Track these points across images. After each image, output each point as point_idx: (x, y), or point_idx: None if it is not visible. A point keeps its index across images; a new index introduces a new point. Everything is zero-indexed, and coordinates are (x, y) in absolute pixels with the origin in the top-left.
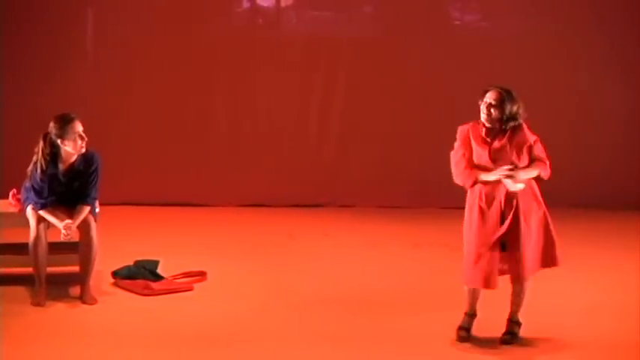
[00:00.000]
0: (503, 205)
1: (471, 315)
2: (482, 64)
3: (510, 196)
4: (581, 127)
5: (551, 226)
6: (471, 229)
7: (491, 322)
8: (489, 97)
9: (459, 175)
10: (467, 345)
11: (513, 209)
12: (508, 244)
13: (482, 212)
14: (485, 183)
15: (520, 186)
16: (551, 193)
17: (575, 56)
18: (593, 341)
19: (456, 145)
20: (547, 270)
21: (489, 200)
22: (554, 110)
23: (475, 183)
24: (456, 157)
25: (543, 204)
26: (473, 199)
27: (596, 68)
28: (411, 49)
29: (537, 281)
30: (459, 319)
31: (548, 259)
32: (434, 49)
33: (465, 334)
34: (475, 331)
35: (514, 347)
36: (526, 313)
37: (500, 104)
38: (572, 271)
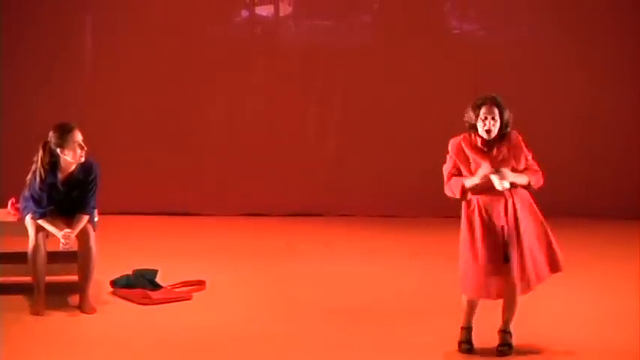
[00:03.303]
0: (504, 216)
1: (468, 328)
2: (482, 73)
3: (508, 208)
4: (580, 137)
5: (550, 234)
6: (473, 241)
7: (485, 333)
8: (488, 112)
9: (446, 186)
10: (468, 356)
11: (513, 220)
12: (510, 256)
13: (483, 224)
14: (479, 192)
15: (506, 184)
16: (552, 202)
17: (574, 65)
18: (593, 350)
19: (448, 157)
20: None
21: (489, 212)
22: (553, 119)
23: (464, 191)
24: (445, 170)
25: (540, 214)
26: (471, 212)
27: (595, 77)
28: (409, 58)
29: (537, 290)
30: (456, 327)
31: (554, 265)
32: (432, 58)
33: (467, 347)
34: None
35: (513, 357)
36: (526, 322)
37: (500, 116)
38: (572, 280)
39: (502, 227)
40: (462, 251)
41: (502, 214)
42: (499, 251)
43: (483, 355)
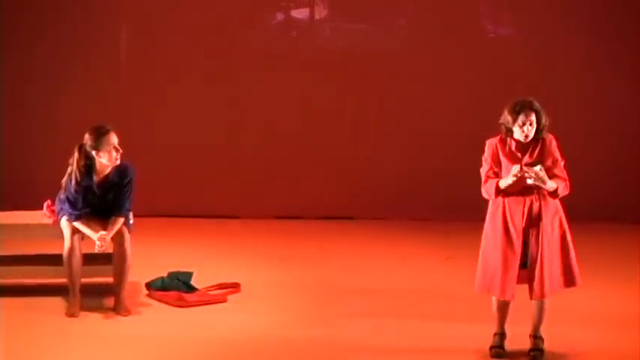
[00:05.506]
0: (525, 219)
1: (501, 334)
2: (516, 77)
3: (532, 211)
4: (612, 139)
5: (571, 245)
6: (494, 240)
7: (516, 337)
8: (526, 119)
9: (482, 188)
10: None
11: (536, 224)
12: (528, 260)
13: (505, 224)
14: (508, 194)
15: (530, 181)
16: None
17: (609, 68)
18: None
19: (484, 159)
20: None
21: (512, 212)
22: (587, 122)
23: (498, 191)
24: (482, 173)
25: (565, 222)
26: (496, 210)
27: (630, 81)
28: (444, 62)
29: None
30: (490, 331)
31: (569, 279)
32: (467, 62)
33: (499, 351)
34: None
35: None
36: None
37: (537, 121)
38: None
39: (523, 229)
40: (482, 248)
41: (525, 216)
42: (517, 252)
43: (515, 358)
